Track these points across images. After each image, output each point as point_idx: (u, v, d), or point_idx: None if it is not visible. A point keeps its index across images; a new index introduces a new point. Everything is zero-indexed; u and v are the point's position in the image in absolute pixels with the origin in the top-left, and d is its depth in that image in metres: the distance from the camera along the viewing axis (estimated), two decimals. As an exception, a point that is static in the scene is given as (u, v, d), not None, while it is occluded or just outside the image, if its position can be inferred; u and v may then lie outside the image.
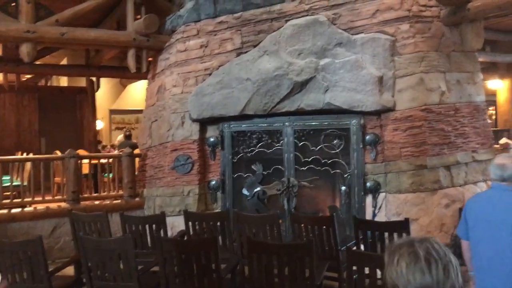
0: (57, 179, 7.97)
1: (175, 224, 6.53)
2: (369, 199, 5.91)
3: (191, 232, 5.40)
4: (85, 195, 7.53)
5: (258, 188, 6.59)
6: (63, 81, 14.01)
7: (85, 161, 7.82)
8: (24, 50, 6.63)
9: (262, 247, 3.96)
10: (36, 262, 4.09)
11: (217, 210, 6.69)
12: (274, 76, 6.08)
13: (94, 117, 12.40)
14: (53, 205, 7.02)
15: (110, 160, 7.92)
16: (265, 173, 6.59)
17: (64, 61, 12.69)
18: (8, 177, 7.22)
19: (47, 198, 7.15)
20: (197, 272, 3.93)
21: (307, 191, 6.53)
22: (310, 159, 6.27)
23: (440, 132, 5.71)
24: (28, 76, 12.94)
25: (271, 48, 6.20)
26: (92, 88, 12.10)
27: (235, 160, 6.73)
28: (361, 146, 5.93)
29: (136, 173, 7.72)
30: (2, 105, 11.55)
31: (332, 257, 4.75)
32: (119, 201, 7.41)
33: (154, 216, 5.97)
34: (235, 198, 6.75)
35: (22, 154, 9.91)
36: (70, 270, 4.98)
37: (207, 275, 3.95)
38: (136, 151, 7.94)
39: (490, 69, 11.18)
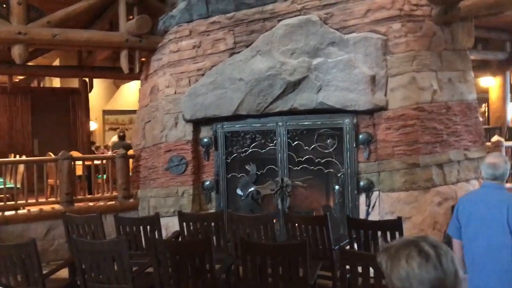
0: (51, 181, 7.93)
1: (170, 225, 6.54)
2: (362, 198, 5.93)
3: (186, 233, 5.41)
4: (79, 197, 7.51)
5: (252, 188, 6.61)
6: (56, 82, 13.95)
7: (79, 162, 7.79)
8: (16, 51, 6.60)
9: (256, 247, 3.99)
10: (30, 265, 4.09)
11: (211, 211, 6.71)
12: (267, 76, 6.09)
13: (87, 118, 12.36)
14: (47, 207, 6.99)
15: (104, 161, 7.90)
16: (259, 173, 6.60)
17: (56, 62, 12.64)
18: (1, 180, 7.20)
19: (41, 200, 7.12)
20: (191, 273, 3.94)
21: (301, 191, 6.55)
22: (303, 158, 6.29)
23: (432, 131, 5.75)
24: (21, 77, 12.88)
25: (264, 48, 6.21)
26: (85, 89, 12.06)
27: (229, 161, 6.74)
28: (354, 145, 5.95)
29: (130, 174, 7.71)
30: (-6, 107, 11.50)
31: (326, 257, 4.78)
32: (113, 202, 7.39)
33: (149, 217, 5.97)
34: (229, 198, 6.76)
35: (15, 156, 9.88)
36: (64, 273, 4.96)
37: (201, 276, 3.96)
38: (130, 152, 7.93)
39: (482, 66, 11.23)
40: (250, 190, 6.61)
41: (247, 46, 6.40)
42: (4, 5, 6.63)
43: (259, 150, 6.58)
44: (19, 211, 6.87)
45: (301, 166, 6.30)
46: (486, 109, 13.56)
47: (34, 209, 6.93)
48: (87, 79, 11.88)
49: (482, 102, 13.64)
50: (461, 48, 6.09)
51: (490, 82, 11.51)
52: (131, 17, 7.50)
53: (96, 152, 11.73)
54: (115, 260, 4.05)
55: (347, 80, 5.72)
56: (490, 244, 3.02)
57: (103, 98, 15.03)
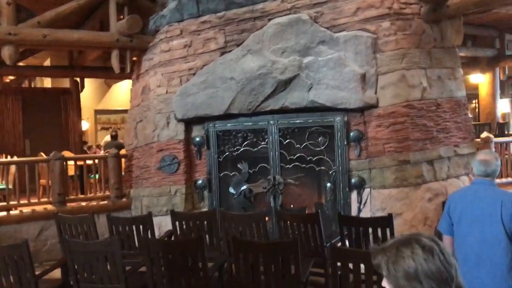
0: (43, 181, 7.90)
1: (163, 224, 6.55)
2: (354, 195, 5.98)
3: (178, 232, 5.43)
4: (72, 197, 7.48)
5: (244, 187, 6.64)
6: (47, 82, 13.89)
7: (71, 162, 7.78)
8: (6, 52, 6.57)
9: (249, 245, 4.01)
10: (22, 266, 4.08)
11: (204, 209, 6.72)
12: (258, 75, 6.11)
13: (79, 118, 12.30)
14: (39, 208, 6.97)
15: (96, 161, 7.89)
16: (251, 171, 6.63)
17: (47, 62, 12.57)
18: (-7, 181, 7.18)
19: (33, 200, 7.09)
20: (184, 272, 3.96)
21: (293, 189, 6.59)
22: (295, 156, 6.33)
23: (423, 128, 5.81)
24: (11, 77, 12.80)
25: (255, 47, 6.23)
26: (76, 89, 12.01)
27: (221, 159, 6.76)
28: (345, 143, 5.99)
29: (123, 173, 7.70)
30: (-15, 108, 11.42)
31: (318, 254, 4.82)
32: (105, 202, 7.39)
33: (141, 216, 5.97)
34: (222, 196, 6.78)
35: (6, 157, 9.83)
36: (57, 273, 4.96)
37: (194, 274, 3.98)
38: (123, 151, 7.92)
39: (472, 63, 11.34)
40: (242, 188, 6.65)
41: (238, 45, 6.42)
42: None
43: (251, 149, 6.61)
44: (11, 212, 6.84)
45: (293, 164, 6.34)
46: (477, 106, 13.67)
47: (26, 209, 6.90)
48: (78, 79, 11.84)
49: (472, 99, 13.76)
50: (450, 46, 6.16)
51: (480, 79, 11.61)
52: (121, 17, 7.48)
53: (88, 152, 11.70)
54: (108, 260, 4.05)
55: (338, 78, 5.76)
56: (484, 240, 3.04)
57: (95, 97, 14.99)
